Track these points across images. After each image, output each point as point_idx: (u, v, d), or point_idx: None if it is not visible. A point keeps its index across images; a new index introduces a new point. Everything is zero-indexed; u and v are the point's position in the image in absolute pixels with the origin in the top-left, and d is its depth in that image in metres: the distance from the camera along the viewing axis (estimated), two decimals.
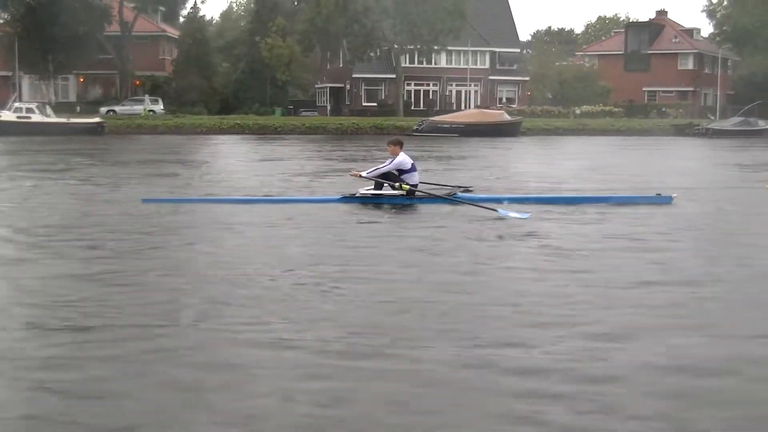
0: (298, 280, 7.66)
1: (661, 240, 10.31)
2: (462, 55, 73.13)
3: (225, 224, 11.34)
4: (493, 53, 74.13)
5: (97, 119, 48.04)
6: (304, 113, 67.26)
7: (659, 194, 14.10)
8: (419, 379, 5.02)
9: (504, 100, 73.39)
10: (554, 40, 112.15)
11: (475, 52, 73.59)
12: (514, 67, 71.67)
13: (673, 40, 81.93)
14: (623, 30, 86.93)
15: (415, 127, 52.67)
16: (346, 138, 49.66)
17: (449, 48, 71.60)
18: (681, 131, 57.89)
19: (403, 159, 13.39)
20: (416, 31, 63.19)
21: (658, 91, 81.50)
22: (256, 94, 63.75)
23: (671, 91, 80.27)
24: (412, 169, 13.46)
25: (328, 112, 69.84)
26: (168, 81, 65.07)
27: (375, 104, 68.97)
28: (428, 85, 72.42)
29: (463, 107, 72.34)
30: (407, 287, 7.46)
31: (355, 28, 62.29)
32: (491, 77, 73.73)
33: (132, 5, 62.26)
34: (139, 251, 9.27)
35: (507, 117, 54.09)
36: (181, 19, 68.76)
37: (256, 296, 7.06)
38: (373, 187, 13.54)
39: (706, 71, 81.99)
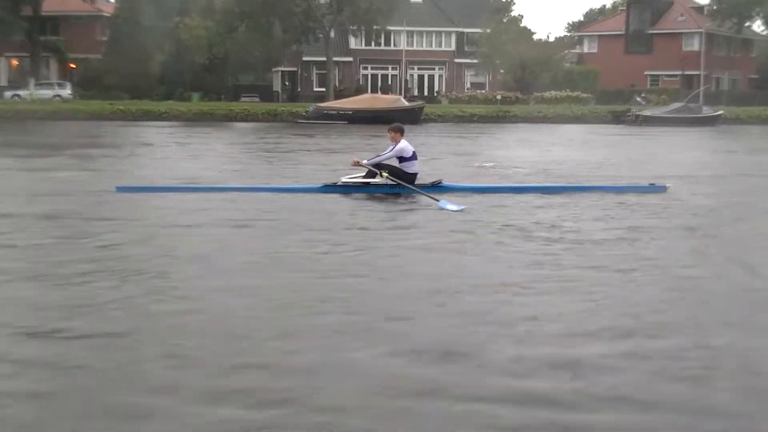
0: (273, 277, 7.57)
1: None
2: (424, 36, 69.87)
3: (196, 214, 11.32)
4: (459, 34, 70.48)
5: None
6: (244, 99, 65.58)
7: (653, 184, 14.24)
8: None
9: (469, 85, 69.82)
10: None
11: (439, 33, 70.20)
12: (484, 49, 67.82)
13: (679, 19, 76.17)
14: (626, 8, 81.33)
15: (304, 114, 50.47)
16: (231, 125, 47.58)
17: (409, 28, 68.72)
18: (618, 118, 53.88)
19: (405, 146, 13.60)
20: (352, 9, 60.62)
21: (661, 75, 76.01)
22: (180, 79, 62.51)
23: (675, 75, 74.61)
24: (413, 157, 13.61)
25: (279, 98, 67.96)
26: (102, 63, 64.56)
27: (324, 89, 66.65)
28: (386, 68, 69.51)
29: (426, 93, 69.39)
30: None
31: (282, 8, 60.18)
32: (457, 60, 70.16)
33: None
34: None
35: (403, 102, 50.58)
36: None
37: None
38: (362, 175, 13.74)
39: (720, 53, 76.00)
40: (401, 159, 13.54)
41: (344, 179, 13.77)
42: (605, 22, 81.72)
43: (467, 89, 68.52)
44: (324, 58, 67.42)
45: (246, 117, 52.30)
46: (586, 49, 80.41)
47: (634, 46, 77.38)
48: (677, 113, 50.76)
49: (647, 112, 52.53)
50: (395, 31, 68.69)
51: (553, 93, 64.40)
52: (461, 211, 11.52)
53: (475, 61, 67.50)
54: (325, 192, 13.38)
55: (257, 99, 66.30)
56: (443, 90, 68.84)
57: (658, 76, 76.28)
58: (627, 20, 78.09)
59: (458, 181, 14.83)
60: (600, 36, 79.02)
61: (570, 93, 64.71)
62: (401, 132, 13.81)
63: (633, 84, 74.36)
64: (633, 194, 13.63)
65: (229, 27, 60.63)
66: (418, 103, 52.53)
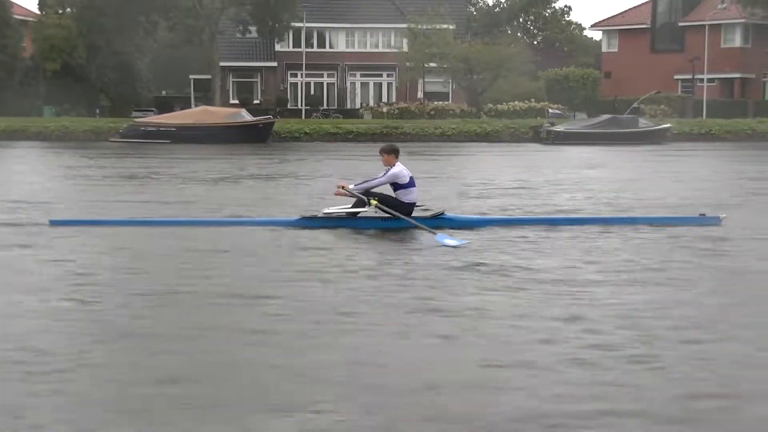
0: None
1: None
2: (369, 34, 58.26)
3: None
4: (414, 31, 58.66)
5: None
6: (135, 115, 56.24)
7: (703, 214, 12.63)
8: None
9: (421, 95, 57.52)
10: None
11: (387, 30, 58.38)
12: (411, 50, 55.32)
13: (719, 6, 61.36)
14: None
15: (120, 131, 43.22)
16: (32, 144, 41.01)
17: (350, 25, 57.59)
18: (538, 134, 42.16)
19: (400, 171, 11.90)
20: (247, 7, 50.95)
21: (696, 79, 61.61)
22: (38, 90, 53.33)
23: (712, 80, 60.04)
24: (410, 184, 11.94)
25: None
26: None
27: (238, 102, 56.36)
28: (321, 75, 58.21)
29: (371, 103, 57.87)
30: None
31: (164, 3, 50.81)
32: (411, 64, 57.96)
33: None
34: None
35: (245, 117, 43.21)
36: None
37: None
38: (348, 205, 12.02)
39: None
40: (396, 186, 11.88)
41: (326, 210, 12.19)
42: (628, 14, 66.92)
43: (418, 100, 56.46)
44: (242, 63, 57.61)
45: (64, 135, 46.09)
46: (605, 48, 66.88)
47: (662, 43, 63.32)
48: (601, 128, 42.15)
49: (560, 128, 41.25)
50: (332, 29, 57.68)
51: (512, 104, 52.11)
52: (462, 246, 10.16)
53: (437, 65, 55.12)
54: (303, 226, 11.73)
55: (153, 114, 56.84)
56: (392, 100, 57.16)
57: (692, 80, 61.94)
58: (653, 11, 63.92)
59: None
60: (620, 31, 65.09)
61: (534, 104, 52.17)
62: (396, 153, 12.10)
63: (659, 91, 60.44)
64: (681, 227, 11.76)
65: (90, 27, 51.29)
66: (265, 117, 44.78)
